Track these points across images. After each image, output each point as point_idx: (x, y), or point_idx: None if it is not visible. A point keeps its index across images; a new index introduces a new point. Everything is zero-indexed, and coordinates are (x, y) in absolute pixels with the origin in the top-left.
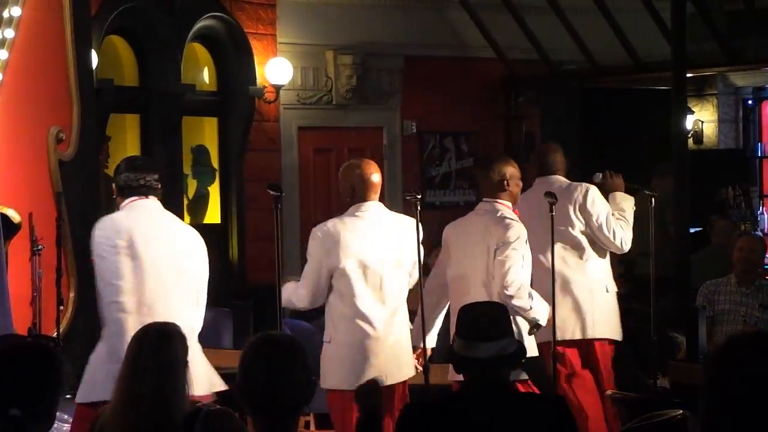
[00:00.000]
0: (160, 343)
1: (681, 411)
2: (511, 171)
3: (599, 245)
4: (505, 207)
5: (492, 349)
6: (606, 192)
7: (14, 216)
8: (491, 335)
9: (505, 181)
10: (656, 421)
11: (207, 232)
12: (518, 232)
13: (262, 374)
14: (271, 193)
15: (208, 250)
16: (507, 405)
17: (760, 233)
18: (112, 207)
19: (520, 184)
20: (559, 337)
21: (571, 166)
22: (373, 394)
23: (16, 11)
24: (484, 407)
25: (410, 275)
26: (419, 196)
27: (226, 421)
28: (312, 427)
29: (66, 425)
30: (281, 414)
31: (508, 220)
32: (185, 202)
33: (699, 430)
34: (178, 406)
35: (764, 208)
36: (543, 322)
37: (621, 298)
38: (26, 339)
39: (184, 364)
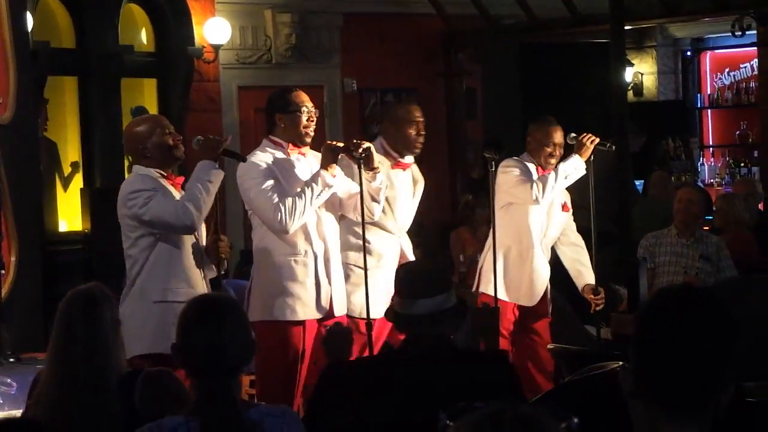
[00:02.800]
0: (87, 307)
1: (620, 363)
2: None
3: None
4: None
5: (428, 305)
6: (575, 151)
7: None
8: (427, 292)
9: None
10: (594, 374)
11: None
12: None
13: (201, 335)
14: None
15: None
16: (446, 361)
17: (700, 184)
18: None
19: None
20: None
21: (512, 120)
22: (341, 340)
23: None
24: (422, 363)
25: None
26: (363, 152)
27: (166, 382)
28: None
29: (6, 388)
30: (222, 375)
31: None
32: (126, 163)
33: (629, 379)
34: (110, 369)
35: (704, 159)
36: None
37: None
38: None
39: (114, 325)
